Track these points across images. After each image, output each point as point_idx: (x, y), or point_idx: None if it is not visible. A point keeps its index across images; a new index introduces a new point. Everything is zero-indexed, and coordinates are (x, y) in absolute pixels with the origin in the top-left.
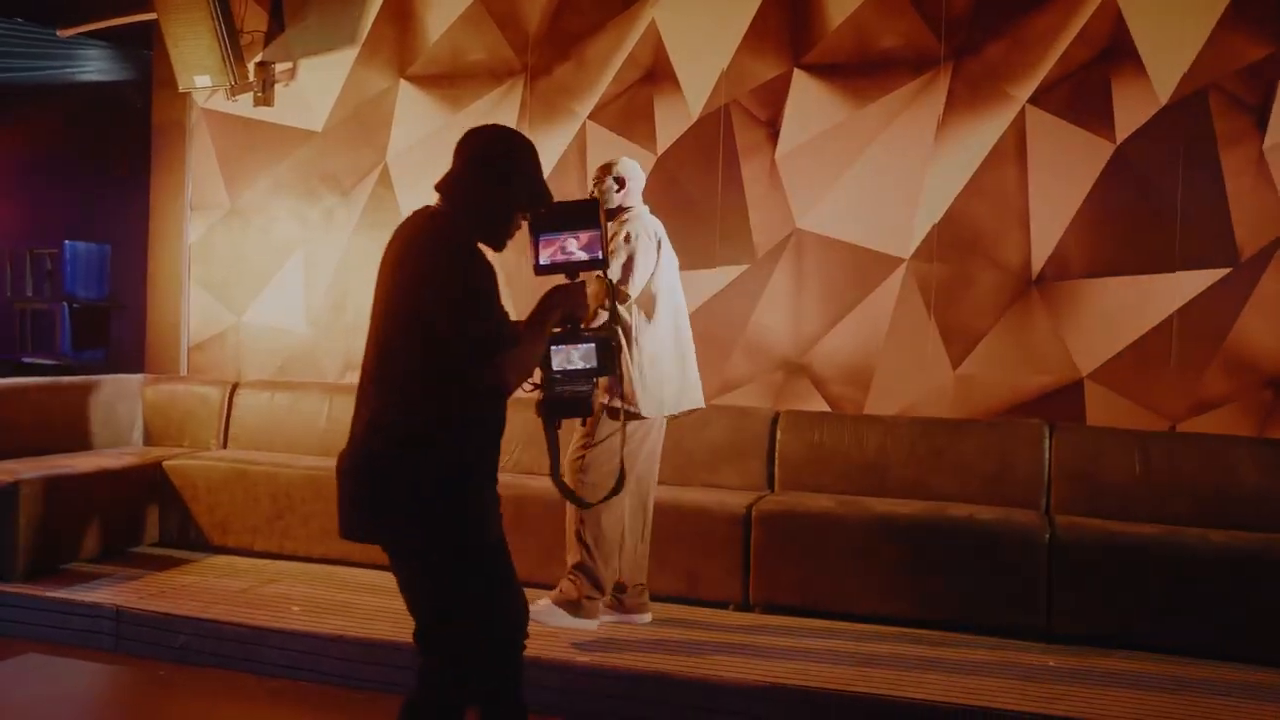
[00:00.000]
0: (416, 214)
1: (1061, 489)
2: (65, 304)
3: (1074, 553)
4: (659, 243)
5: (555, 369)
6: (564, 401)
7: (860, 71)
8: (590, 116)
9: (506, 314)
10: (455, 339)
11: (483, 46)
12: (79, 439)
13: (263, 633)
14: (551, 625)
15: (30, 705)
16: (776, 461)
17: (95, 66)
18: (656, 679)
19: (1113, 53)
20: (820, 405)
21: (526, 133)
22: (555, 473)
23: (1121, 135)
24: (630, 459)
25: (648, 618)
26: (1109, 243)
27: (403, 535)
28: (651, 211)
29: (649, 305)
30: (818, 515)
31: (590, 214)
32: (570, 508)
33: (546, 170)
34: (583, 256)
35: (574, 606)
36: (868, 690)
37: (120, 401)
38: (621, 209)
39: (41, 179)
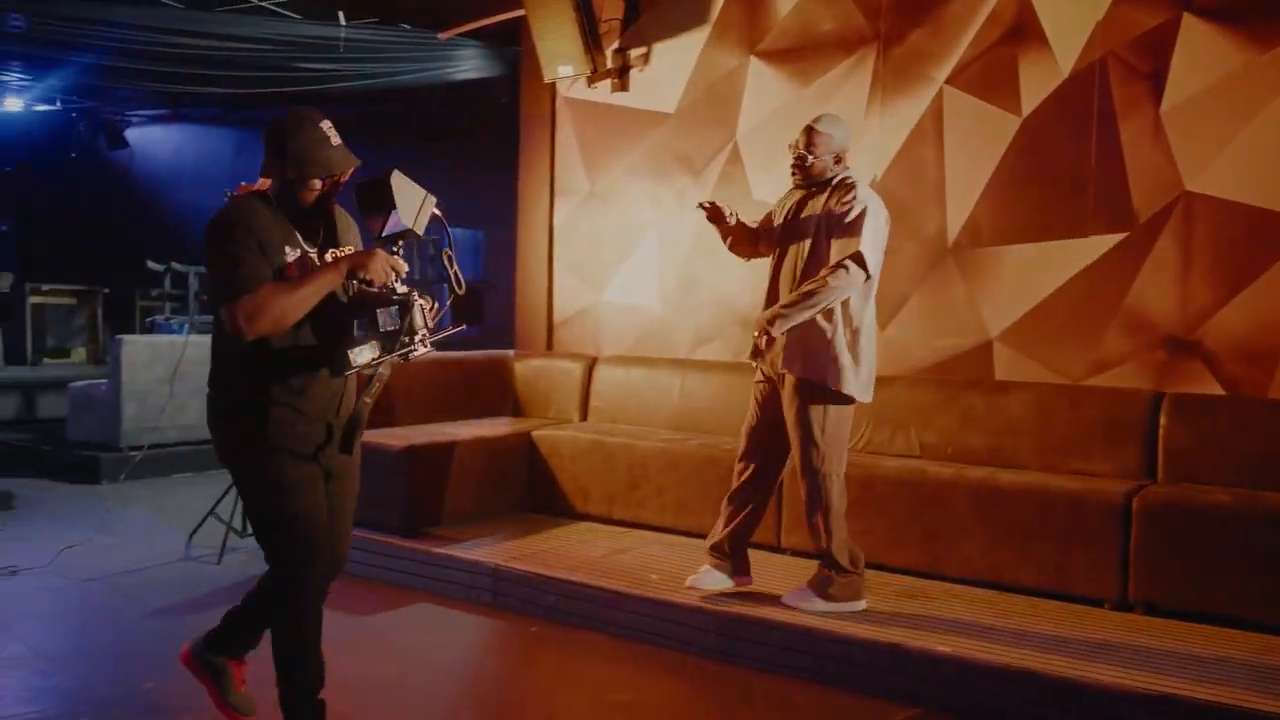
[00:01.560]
0: None
1: None
2: (445, 285)
3: None
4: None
5: (381, 328)
6: (336, 358)
7: (1266, 11)
8: (948, 81)
9: (261, 270)
10: (212, 294)
11: (833, 17)
12: (459, 409)
13: (624, 598)
14: (808, 610)
15: (423, 649)
16: (1160, 449)
17: (470, 65)
18: (1024, 675)
19: None
20: (1213, 388)
21: (878, 102)
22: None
23: None
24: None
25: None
26: None
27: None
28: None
29: (868, 286)
30: (1212, 510)
31: (385, 192)
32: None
33: (898, 139)
34: (391, 228)
35: (823, 590)
36: None
37: (494, 375)
38: (846, 183)
39: (423, 171)
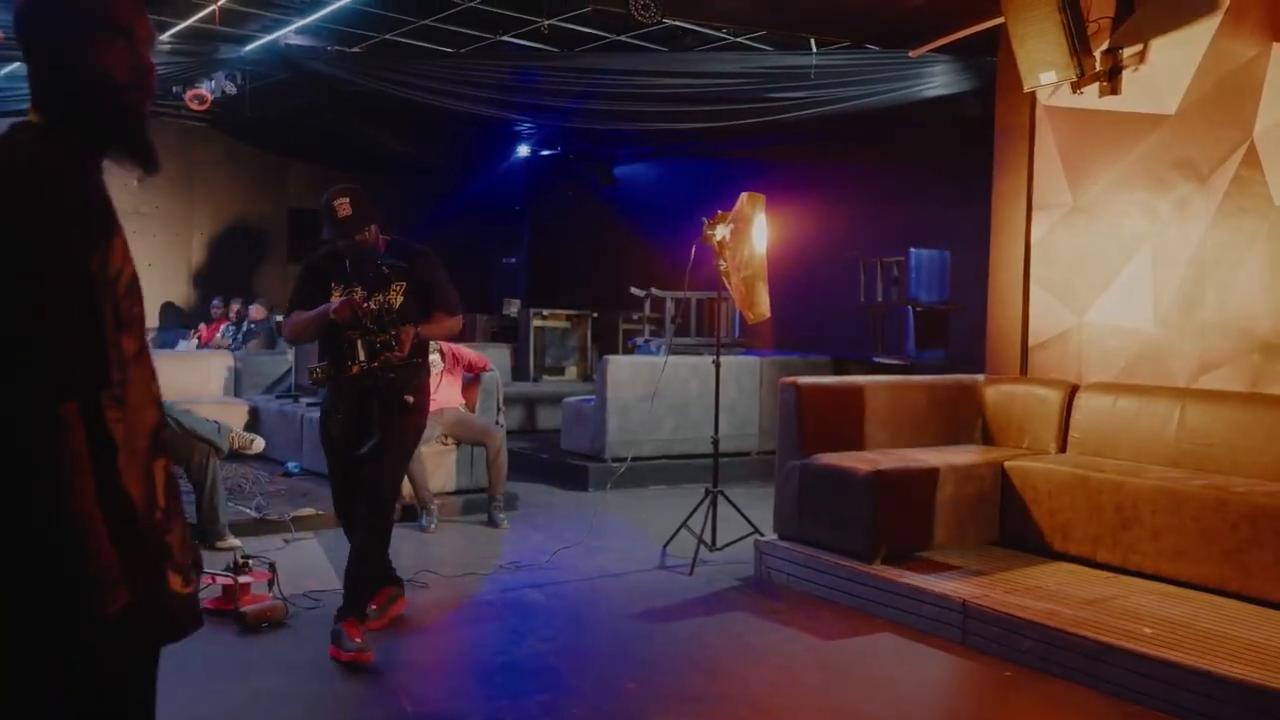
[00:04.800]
0: None
1: None
2: (910, 308)
3: None
4: None
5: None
6: None
7: None
8: None
9: (300, 301)
10: None
11: None
12: (923, 434)
13: (1111, 650)
14: None
15: (888, 682)
16: None
17: (940, 81)
18: None
19: None
20: None
21: None
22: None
23: None
24: None
25: None
26: None
27: None
28: None
29: None
30: None
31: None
32: None
33: None
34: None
35: None
36: None
37: (961, 400)
38: None
39: (890, 193)
